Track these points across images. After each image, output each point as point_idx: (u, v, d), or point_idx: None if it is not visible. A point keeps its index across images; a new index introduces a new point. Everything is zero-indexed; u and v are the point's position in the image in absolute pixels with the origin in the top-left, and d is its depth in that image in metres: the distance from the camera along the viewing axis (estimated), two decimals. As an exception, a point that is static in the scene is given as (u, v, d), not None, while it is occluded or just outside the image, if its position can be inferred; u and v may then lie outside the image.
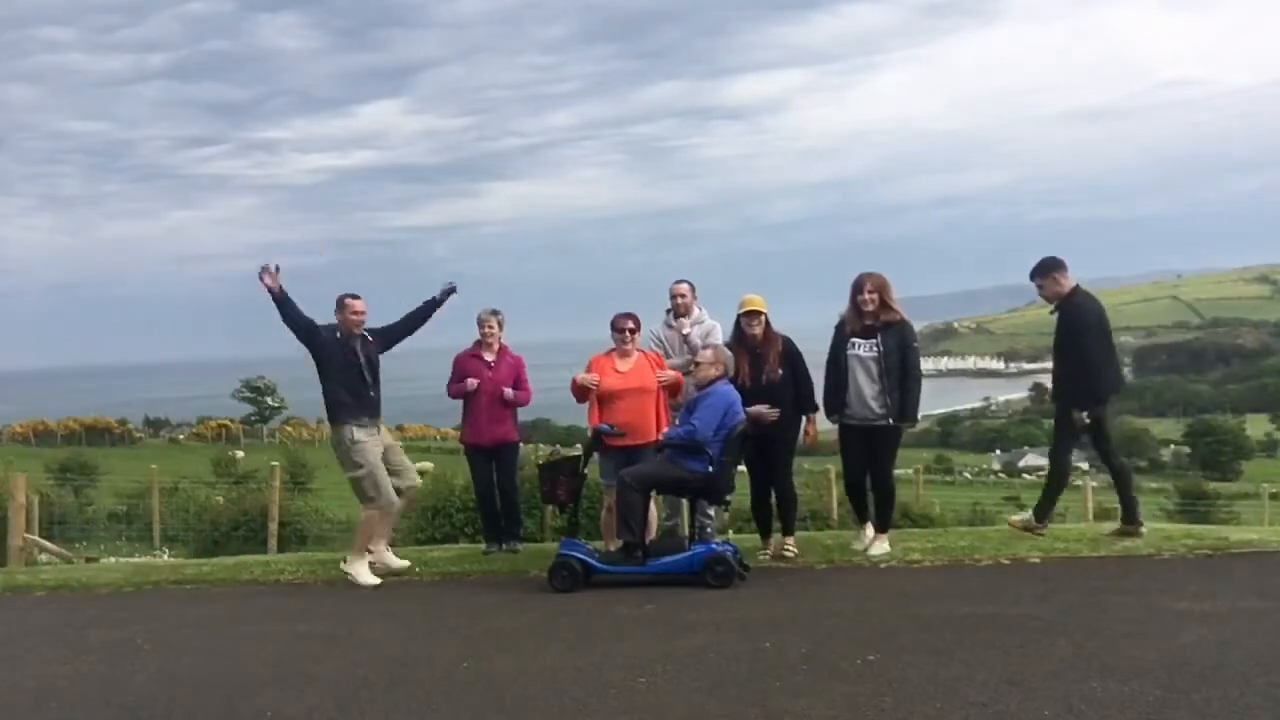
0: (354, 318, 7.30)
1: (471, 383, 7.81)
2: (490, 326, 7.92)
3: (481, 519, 8.67)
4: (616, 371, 7.19)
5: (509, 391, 7.86)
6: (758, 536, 7.70)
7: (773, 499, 7.36)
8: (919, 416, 7.25)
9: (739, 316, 7.11)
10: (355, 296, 7.37)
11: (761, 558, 7.20)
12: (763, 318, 7.05)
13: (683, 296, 7.70)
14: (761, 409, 6.89)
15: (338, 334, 7.29)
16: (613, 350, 7.31)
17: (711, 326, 7.68)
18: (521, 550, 8.13)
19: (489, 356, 7.93)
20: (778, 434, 7.10)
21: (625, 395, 7.10)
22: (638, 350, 7.29)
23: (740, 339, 7.12)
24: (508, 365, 7.95)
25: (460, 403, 7.98)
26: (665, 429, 7.02)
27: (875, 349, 6.97)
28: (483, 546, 8.36)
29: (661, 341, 7.67)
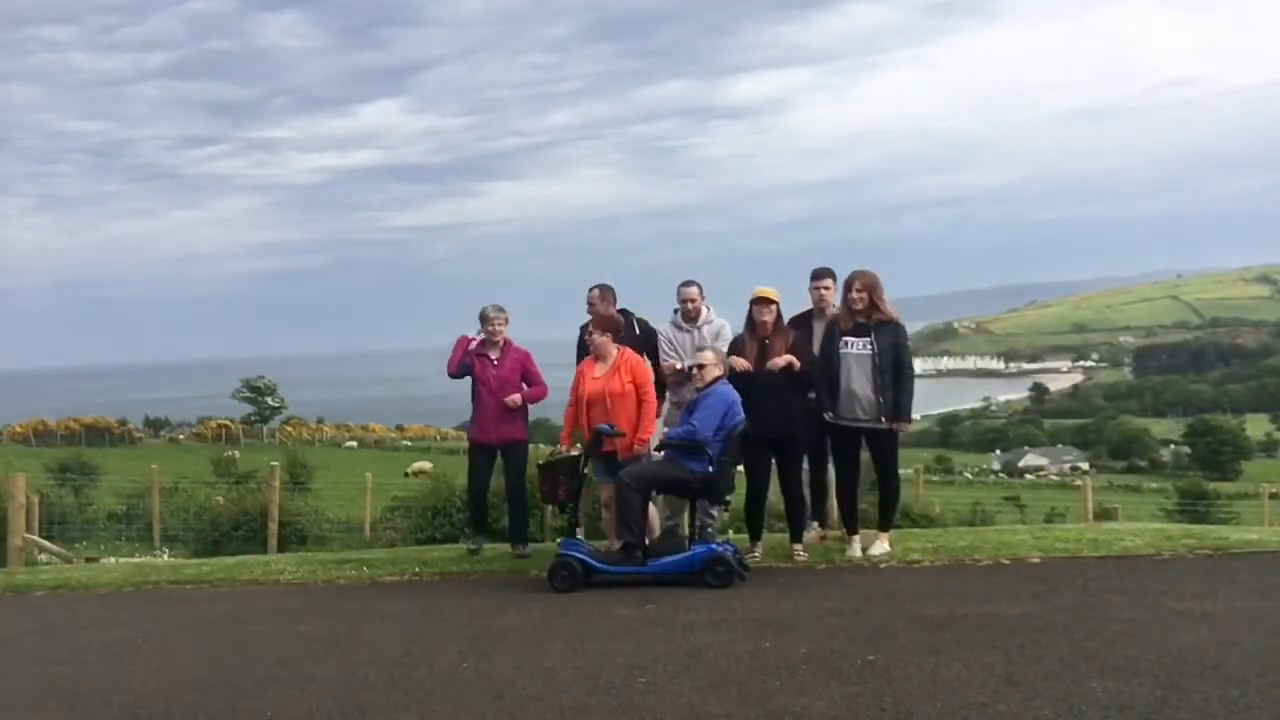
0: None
1: (516, 399, 7.71)
2: (496, 325, 7.78)
3: (470, 513, 8.59)
4: (593, 377, 7.22)
5: (515, 399, 7.71)
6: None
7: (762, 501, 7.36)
8: (912, 417, 7.23)
9: (751, 305, 7.10)
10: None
11: (751, 560, 7.18)
12: (774, 307, 7.05)
13: (692, 301, 7.68)
14: (778, 361, 6.90)
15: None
16: (594, 355, 7.33)
17: (720, 326, 7.67)
18: (530, 554, 7.94)
19: (494, 354, 7.81)
20: (791, 436, 7.09)
21: (596, 400, 7.11)
22: (615, 350, 7.25)
23: (750, 328, 7.13)
24: (513, 361, 7.82)
25: (468, 395, 7.89)
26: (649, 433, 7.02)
27: (869, 347, 6.95)
28: (486, 545, 8.28)
29: (672, 343, 7.66)
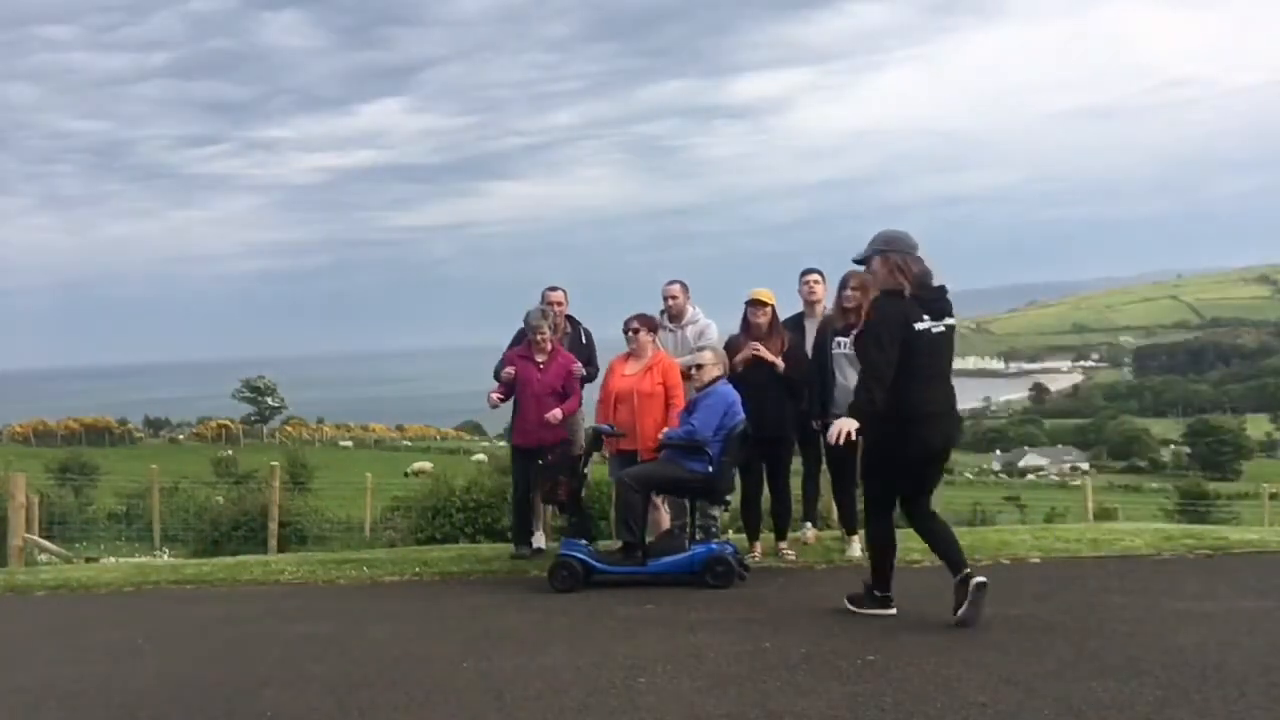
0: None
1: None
2: (543, 333, 7.48)
3: (514, 520, 8.35)
4: (623, 374, 7.22)
5: (556, 414, 7.39)
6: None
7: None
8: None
9: (745, 306, 7.18)
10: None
11: (750, 560, 7.20)
12: (768, 309, 7.11)
13: (674, 299, 7.70)
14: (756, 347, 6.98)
15: None
16: (628, 352, 7.35)
17: (705, 325, 7.69)
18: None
19: (540, 358, 7.53)
20: (782, 435, 7.12)
21: (625, 398, 7.12)
22: (653, 351, 7.29)
23: (745, 330, 7.19)
24: (559, 367, 7.52)
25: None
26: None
27: None
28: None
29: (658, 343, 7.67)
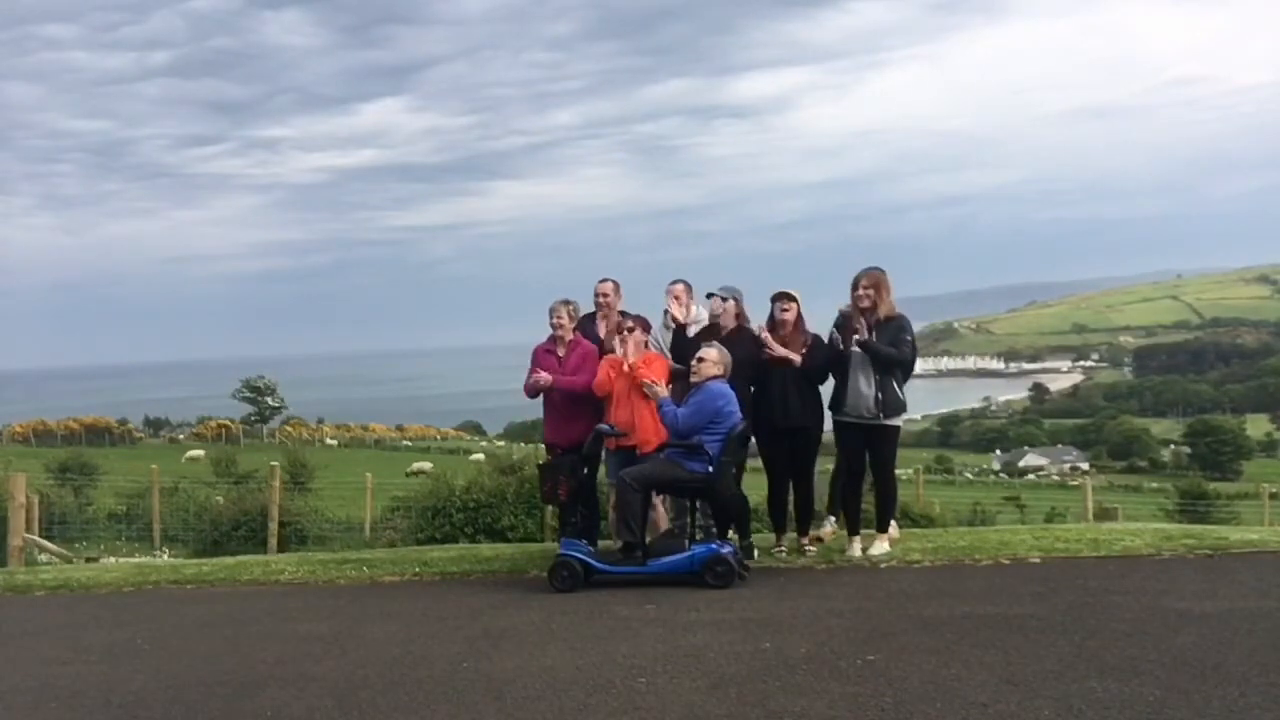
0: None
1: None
2: (560, 317, 7.45)
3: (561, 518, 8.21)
4: (623, 372, 7.23)
5: (544, 376, 7.26)
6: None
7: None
8: (906, 406, 7.27)
9: (772, 302, 7.23)
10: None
11: (778, 554, 7.27)
12: (794, 306, 7.18)
13: (677, 298, 7.70)
14: (771, 342, 7.01)
15: None
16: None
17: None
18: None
19: (561, 350, 7.48)
20: (805, 427, 7.18)
21: (623, 396, 7.12)
22: (645, 351, 7.28)
23: (772, 326, 7.24)
24: (579, 357, 7.42)
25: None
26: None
27: None
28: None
29: (659, 342, 7.68)
